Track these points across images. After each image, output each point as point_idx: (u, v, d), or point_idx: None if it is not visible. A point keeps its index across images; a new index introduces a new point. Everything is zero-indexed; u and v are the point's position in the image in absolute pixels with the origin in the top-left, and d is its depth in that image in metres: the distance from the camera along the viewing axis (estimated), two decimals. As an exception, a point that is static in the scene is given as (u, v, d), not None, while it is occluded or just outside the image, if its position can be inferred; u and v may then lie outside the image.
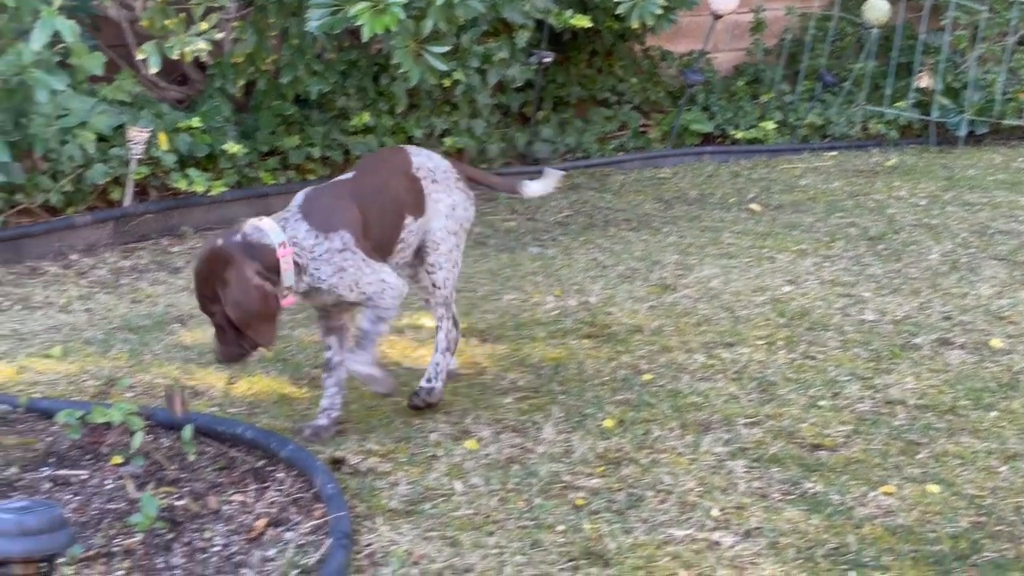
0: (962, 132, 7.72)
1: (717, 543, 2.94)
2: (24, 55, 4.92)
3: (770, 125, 7.77)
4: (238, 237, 3.37)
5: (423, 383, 3.71)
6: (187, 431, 3.34)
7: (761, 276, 5.05)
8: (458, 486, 3.24)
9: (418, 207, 3.67)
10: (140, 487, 3.21)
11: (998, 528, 3.01)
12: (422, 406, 3.69)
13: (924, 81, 7.85)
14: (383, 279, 3.49)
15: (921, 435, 3.52)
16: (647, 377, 3.98)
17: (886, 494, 3.17)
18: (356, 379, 3.60)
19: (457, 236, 3.78)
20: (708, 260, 5.30)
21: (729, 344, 4.27)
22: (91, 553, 2.91)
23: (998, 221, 5.83)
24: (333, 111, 6.58)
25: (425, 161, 3.77)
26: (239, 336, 3.35)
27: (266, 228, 3.40)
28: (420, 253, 3.74)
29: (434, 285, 3.76)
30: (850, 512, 3.09)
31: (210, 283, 3.33)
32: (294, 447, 3.38)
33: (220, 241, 3.36)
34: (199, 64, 6.25)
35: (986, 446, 3.41)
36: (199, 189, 5.86)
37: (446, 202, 3.74)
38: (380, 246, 3.55)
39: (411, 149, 3.85)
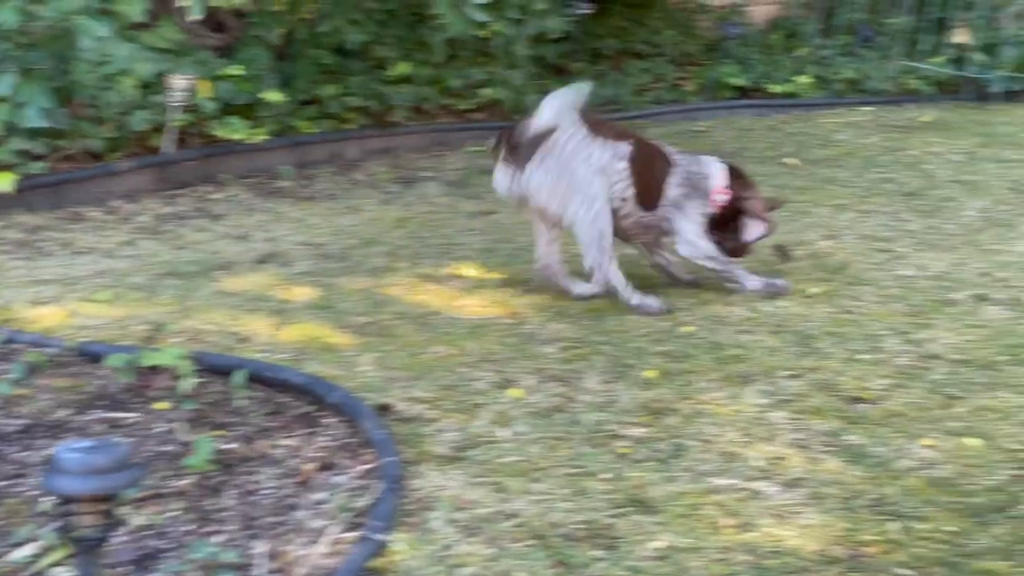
0: (997, 88, 7.68)
1: (759, 492, 2.99)
2: (69, 1, 4.96)
3: (806, 79, 7.75)
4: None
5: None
6: (238, 375, 3.40)
7: (799, 230, 5.06)
8: (504, 433, 3.29)
9: None
10: (192, 430, 3.27)
11: (1037, 482, 3.05)
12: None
13: (960, 37, 7.81)
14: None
15: (960, 389, 3.55)
16: (688, 329, 4.02)
17: (925, 446, 3.20)
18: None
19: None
20: (745, 214, 5.31)
21: (769, 297, 4.30)
22: (145, 494, 2.98)
23: (1036, 178, 5.83)
24: (372, 61, 6.60)
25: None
26: None
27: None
28: None
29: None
30: (890, 464, 3.13)
31: None
32: (342, 393, 3.43)
33: None
34: (238, 12, 6.29)
35: (1024, 401, 3.44)
36: (239, 137, 5.91)
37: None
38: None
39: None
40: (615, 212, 4.21)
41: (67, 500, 2.29)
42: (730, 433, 3.29)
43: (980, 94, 7.72)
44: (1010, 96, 7.71)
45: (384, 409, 3.45)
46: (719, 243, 4.33)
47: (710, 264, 4.32)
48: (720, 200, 4.30)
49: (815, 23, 8.15)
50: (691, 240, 4.27)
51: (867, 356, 3.78)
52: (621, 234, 4.31)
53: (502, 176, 4.21)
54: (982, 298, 4.28)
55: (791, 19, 8.29)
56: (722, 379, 3.63)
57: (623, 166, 4.19)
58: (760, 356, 3.79)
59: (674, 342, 3.91)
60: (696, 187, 4.29)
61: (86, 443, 2.35)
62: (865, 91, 7.79)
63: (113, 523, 2.33)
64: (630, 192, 4.22)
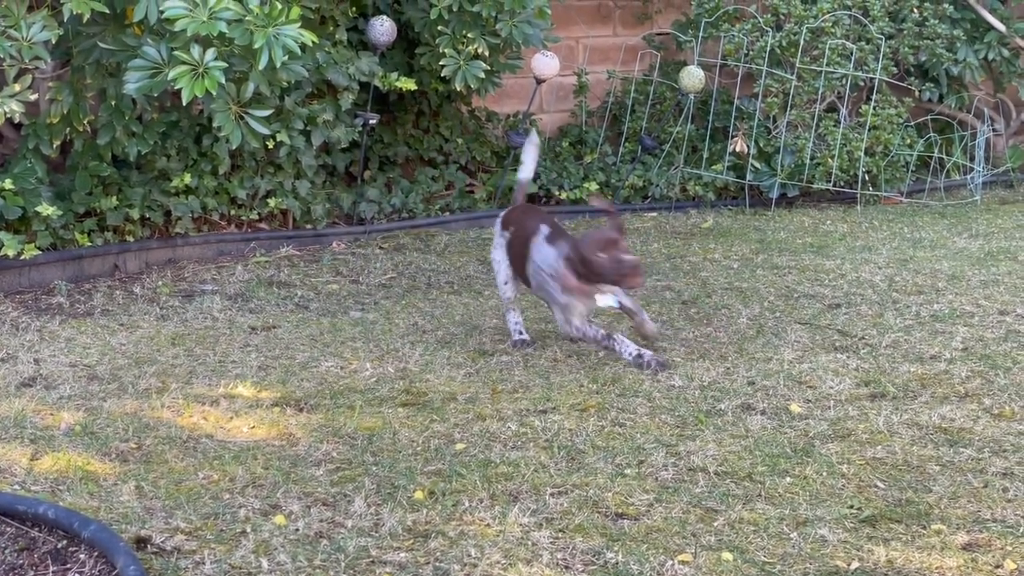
0: (774, 195, 8.03)
1: (518, 617, 3.00)
2: None
3: (593, 186, 7.95)
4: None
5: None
6: (-16, 513, 3.26)
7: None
8: (265, 563, 3.23)
9: None
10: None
11: (788, 594, 3.14)
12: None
13: (739, 145, 8.15)
14: None
15: (719, 502, 3.64)
16: (460, 446, 4.03)
17: (683, 563, 3.27)
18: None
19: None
20: (524, 324, 5.39)
21: (542, 411, 4.35)
22: None
23: (803, 284, 6.07)
24: (153, 172, 6.51)
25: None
26: None
27: None
28: None
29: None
30: (649, 581, 3.18)
31: None
32: (97, 527, 3.32)
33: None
34: (13, 124, 6.14)
35: (779, 512, 3.55)
36: (10, 252, 5.73)
37: None
38: None
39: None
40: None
41: None
42: (494, 554, 3.31)
43: (758, 200, 8.05)
44: (786, 202, 8.07)
45: (142, 542, 3.35)
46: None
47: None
48: None
49: (602, 131, 8.40)
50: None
51: (632, 470, 3.85)
52: None
53: None
54: (747, 407, 4.41)
55: (579, 127, 8.52)
56: (490, 498, 3.65)
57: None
58: (529, 473, 3.83)
59: (445, 461, 3.92)
60: None
61: None
62: (650, 197, 8.03)
63: None
64: None
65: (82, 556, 3.29)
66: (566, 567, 3.25)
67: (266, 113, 5.77)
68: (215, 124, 5.65)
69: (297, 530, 3.43)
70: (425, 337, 5.25)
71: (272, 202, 6.86)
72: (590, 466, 3.89)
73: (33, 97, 5.68)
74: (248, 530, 3.42)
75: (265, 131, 5.75)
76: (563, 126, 8.65)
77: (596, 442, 4.08)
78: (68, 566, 3.25)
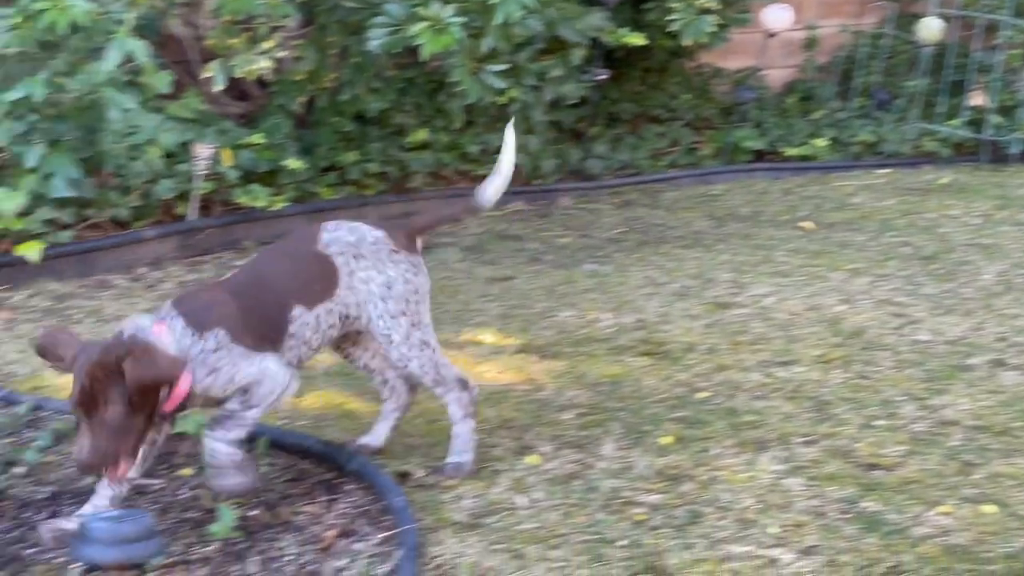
0: (1015, 150, 7.73)
1: (776, 560, 3.01)
2: (97, 74, 5.07)
3: (822, 142, 7.81)
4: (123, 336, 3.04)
5: (453, 459, 3.45)
6: (260, 442, 3.45)
7: (815, 295, 5.10)
8: (521, 500, 3.33)
9: (319, 293, 3.27)
10: (215, 497, 3.31)
11: (1053, 549, 3.06)
12: (457, 479, 3.42)
13: (977, 99, 7.87)
14: (264, 368, 3.14)
15: (977, 456, 3.57)
16: (703, 395, 4.06)
17: (942, 514, 3.22)
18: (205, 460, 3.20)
19: (409, 315, 3.34)
20: (761, 278, 5.37)
21: (784, 363, 4.33)
22: (170, 561, 3.02)
23: (1052, 241, 5.86)
24: (391, 128, 6.70)
25: (343, 235, 3.32)
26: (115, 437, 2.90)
27: (144, 325, 3.08)
28: (375, 352, 3.51)
29: (414, 376, 3.44)
30: (907, 531, 3.15)
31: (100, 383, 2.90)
32: (362, 460, 3.48)
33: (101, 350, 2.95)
34: (260, 81, 6.40)
35: (1041, 467, 3.46)
36: (260, 204, 5.99)
37: (377, 280, 3.31)
38: (265, 339, 3.18)
39: (328, 225, 3.37)
40: None
41: (95, 569, 2.34)
42: (746, 500, 3.32)
43: (997, 156, 7.76)
44: (1027, 157, 7.77)
45: (403, 476, 3.49)
46: None
47: None
48: None
49: (832, 86, 8.23)
50: None
51: (883, 422, 3.81)
52: None
53: None
54: (999, 363, 4.30)
55: (808, 82, 8.37)
56: (737, 445, 3.66)
57: None
58: (775, 422, 3.82)
59: (690, 408, 3.94)
60: None
61: (113, 512, 2.41)
62: (882, 153, 7.84)
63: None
64: None
65: (348, 487, 3.45)
66: (820, 514, 3.25)
67: (502, 68, 5.85)
68: (453, 79, 5.77)
69: (550, 470, 3.52)
70: (660, 289, 5.27)
71: (503, 158, 6.97)
72: (838, 417, 3.86)
73: (281, 55, 5.90)
74: (503, 468, 3.52)
75: (501, 85, 5.84)
76: (791, 81, 8.51)
77: (842, 394, 4.05)
78: (335, 496, 3.41)
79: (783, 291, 5.18)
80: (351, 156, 6.49)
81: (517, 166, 7.02)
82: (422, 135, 6.69)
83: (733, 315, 4.89)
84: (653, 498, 3.34)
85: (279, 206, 6.07)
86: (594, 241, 6.21)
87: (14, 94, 5.01)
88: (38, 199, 5.21)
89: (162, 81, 5.45)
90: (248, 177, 6.07)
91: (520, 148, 6.96)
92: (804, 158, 7.79)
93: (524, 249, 6.06)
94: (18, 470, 3.52)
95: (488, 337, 4.67)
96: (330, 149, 6.45)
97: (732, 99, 8.00)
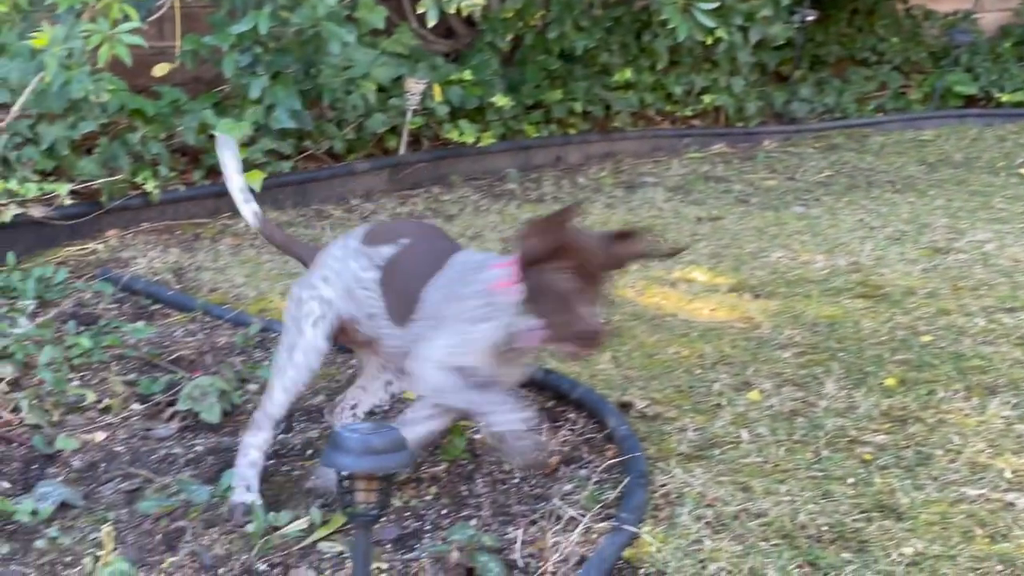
0: None
1: (1012, 504, 2.94)
2: (319, 8, 5.19)
3: (1040, 88, 7.52)
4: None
5: None
6: (485, 369, 3.51)
7: (1039, 242, 4.94)
8: (744, 434, 3.32)
9: None
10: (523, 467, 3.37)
11: None
12: None
13: None
14: None
15: None
16: (926, 339, 3.97)
17: None
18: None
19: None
20: (979, 224, 5.22)
21: (1010, 309, 4.21)
22: (401, 479, 3.12)
23: None
24: (596, 67, 6.69)
25: None
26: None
27: None
28: None
29: None
30: None
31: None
32: (585, 389, 3.52)
33: None
34: (468, 20, 6.46)
35: None
36: (468, 140, 6.07)
37: None
38: None
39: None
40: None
41: (347, 477, 2.43)
42: (977, 443, 3.25)
43: None
44: None
45: (625, 406, 3.52)
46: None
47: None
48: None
49: (1048, 31, 7.91)
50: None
51: None
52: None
53: None
54: None
55: (1022, 26, 8.05)
56: (965, 389, 3.58)
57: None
58: (1004, 367, 3.72)
59: (913, 351, 3.87)
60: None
61: (365, 425, 2.49)
62: (1100, 102, 7.52)
63: (386, 501, 2.46)
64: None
65: (571, 415, 3.49)
66: None
67: (712, 6, 5.79)
68: (663, 17, 5.73)
69: (771, 407, 3.50)
70: (873, 233, 5.17)
71: (707, 99, 6.91)
72: None
73: (492, -8, 5.96)
74: (723, 403, 3.52)
75: (711, 24, 5.78)
76: (1006, 25, 8.19)
77: (1074, 342, 3.92)
78: (558, 423, 3.46)
79: (1004, 238, 5.03)
80: (556, 94, 6.52)
81: (718, 108, 7.00)
82: (627, 75, 6.67)
83: (952, 260, 4.77)
84: (879, 438, 3.30)
85: (486, 142, 6.13)
86: (801, 184, 6.11)
87: (240, 27, 5.16)
88: (261, 130, 5.38)
89: (377, 16, 5.54)
90: (456, 113, 6.14)
91: (724, 89, 6.92)
92: (1018, 104, 7.52)
93: (730, 190, 6.01)
94: (252, 386, 3.67)
95: (700, 275, 4.65)
96: (536, 87, 6.48)
97: (944, 42, 7.75)
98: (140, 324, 4.04)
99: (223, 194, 5.05)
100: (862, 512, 2.93)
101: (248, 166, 5.33)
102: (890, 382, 3.64)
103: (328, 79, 5.52)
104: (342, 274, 2.96)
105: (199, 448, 3.31)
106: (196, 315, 4.20)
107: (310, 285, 2.99)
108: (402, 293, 2.88)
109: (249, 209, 3.20)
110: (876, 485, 3.04)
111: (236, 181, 3.18)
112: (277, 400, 2.99)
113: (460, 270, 2.83)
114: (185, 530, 2.89)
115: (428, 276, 2.86)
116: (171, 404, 3.51)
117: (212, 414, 3.44)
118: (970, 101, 7.60)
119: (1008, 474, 3.08)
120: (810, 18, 7.08)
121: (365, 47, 5.78)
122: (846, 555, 2.73)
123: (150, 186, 5.04)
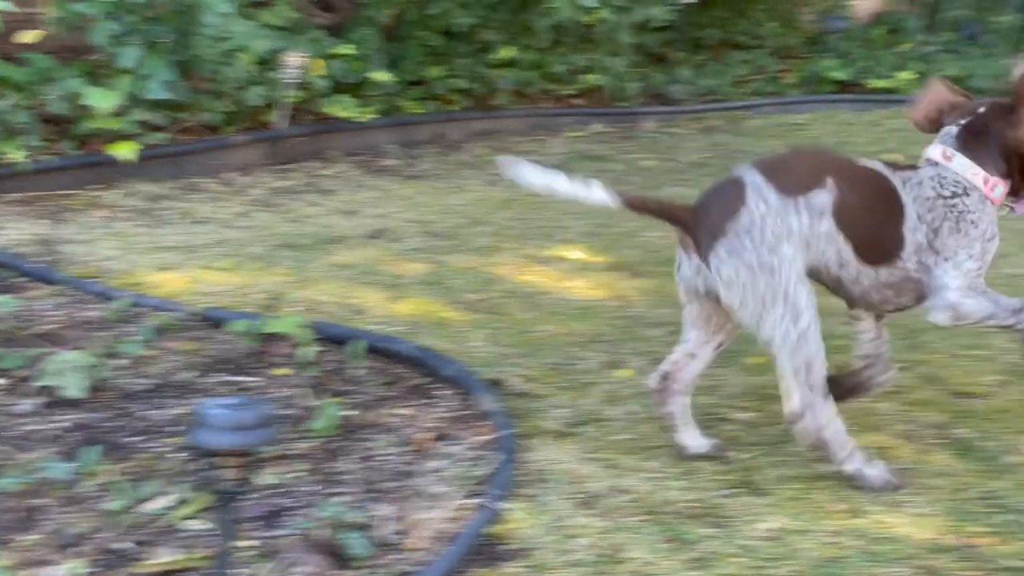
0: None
1: (869, 480, 3.03)
2: (194, -22, 5.11)
3: (908, 75, 7.71)
4: None
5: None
6: (356, 346, 3.51)
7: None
8: (615, 412, 3.37)
9: None
10: (313, 396, 3.37)
11: None
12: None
13: (1070, 36, 7.73)
14: None
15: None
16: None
17: None
18: None
19: None
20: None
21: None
22: (270, 455, 3.09)
23: None
24: (477, 44, 6.69)
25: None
26: None
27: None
28: None
29: None
30: (999, 459, 3.16)
31: None
32: (457, 366, 3.53)
33: None
34: (346, -7, 6.41)
35: None
36: (348, 115, 6.03)
37: None
38: None
39: None
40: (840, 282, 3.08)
41: (210, 454, 2.40)
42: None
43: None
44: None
45: (496, 384, 3.54)
46: None
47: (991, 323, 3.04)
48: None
49: (919, 19, 8.11)
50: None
51: (974, 352, 3.80)
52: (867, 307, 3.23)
53: (686, 267, 3.07)
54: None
55: (894, 14, 8.25)
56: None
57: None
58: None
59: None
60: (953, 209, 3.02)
61: (231, 400, 2.46)
62: (970, 89, 7.73)
63: (249, 478, 2.44)
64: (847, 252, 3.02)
65: (442, 392, 3.50)
66: (910, 438, 3.26)
67: (593, -13, 5.83)
68: (545, -4, 5.75)
69: (642, 384, 3.54)
70: (746, 215, 5.25)
71: (587, 78, 6.95)
72: (929, 345, 3.86)
73: (373, -34, 5.91)
74: (595, 380, 3.56)
75: (592, 3, 5.82)
76: (877, 13, 8.38)
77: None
78: (430, 400, 3.46)
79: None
80: (437, 71, 6.50)
81: (600, 87, 7.06)
82: (508, 52, 6.68)
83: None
84: (744, 415, 3.37)
85: (366, 118, 6.10)
86: (678, 165, 6.19)
87: (113, -5, 5.06)
88: (133, 101, 5.27)
89: (256, -13, 5.47)
90: (336, 88, 6.09)
91: (604, 69, 6.98)
92: (889, 91, 7.70)
93: (608, 170, 6.06)
94: (120, 362, 3.60)
95: (576, 253, 4.69)
96: (417, 63, 6.46)
97: (818, 28, 7.90)
98: (4, 297, 3.94)
99: (94, 164, 4.97)
100: (727, 488, 2.99)
101: (119, 137, 5.22)
102: (756, 360, 3.71)
103: (204, 50, 5.43)
104: (792, 229, 2.93)
105: (63, 424, 3.24)
106: (62, 288, 4.11)
107: (769, 251, 2.90)
108: (873, 235, 3.00)
109: (599, 193, 3.00)
110: (740, 462, 3.11)
111: (562, 185, 2.98)
112: (817, 371, 2.94)
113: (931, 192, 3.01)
114: (45, 508, 2.84)
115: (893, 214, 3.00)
116: (31, 379, 3.44)
117: (75, 389, 3.37)
118: (842, 86, 7.77)
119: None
120: (691, 1, 7.17)
121: (243, 19, 5.69)
122: (709, 530, 2.79)
123: (19, 156, 4.91)
